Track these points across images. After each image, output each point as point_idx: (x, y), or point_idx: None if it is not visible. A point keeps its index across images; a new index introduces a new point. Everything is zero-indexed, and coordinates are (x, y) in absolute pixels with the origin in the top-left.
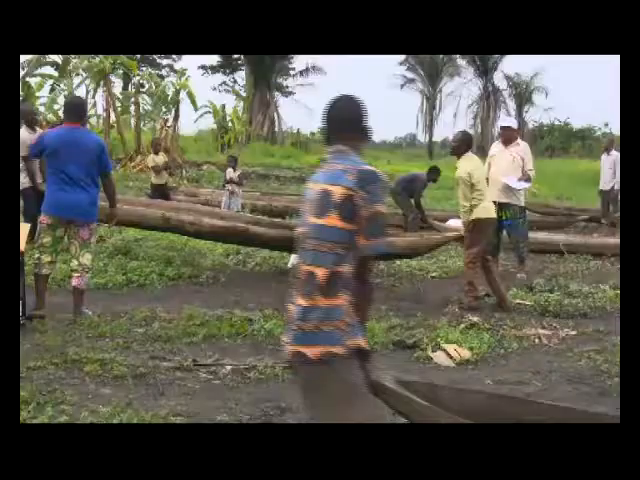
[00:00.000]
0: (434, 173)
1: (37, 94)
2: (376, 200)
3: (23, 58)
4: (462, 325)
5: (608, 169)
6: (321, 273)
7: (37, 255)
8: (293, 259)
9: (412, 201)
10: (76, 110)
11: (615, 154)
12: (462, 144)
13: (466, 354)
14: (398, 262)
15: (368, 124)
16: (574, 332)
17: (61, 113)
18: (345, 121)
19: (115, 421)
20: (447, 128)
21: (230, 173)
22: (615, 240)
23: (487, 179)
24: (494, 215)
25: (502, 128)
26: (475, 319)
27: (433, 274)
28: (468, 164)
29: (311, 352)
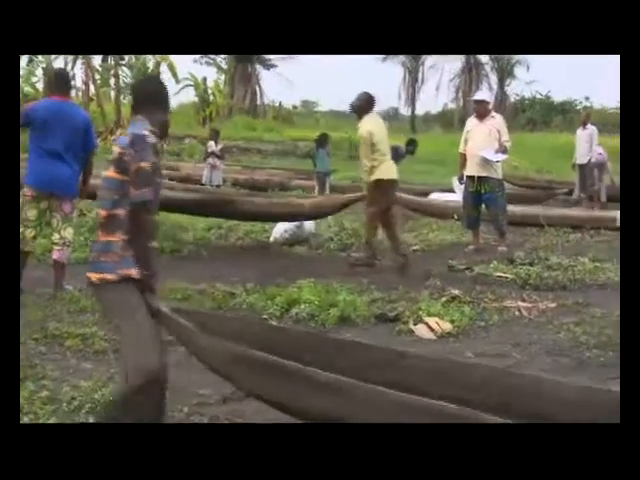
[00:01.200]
0: (412, 145)
1: None
2: (141, 158)
3: None
4: (443, 298)
5: (585, 142)
6: (102, 214)
7: (21, 230)
8: (275, 233)
9: None
10: (64, 82)
11: (591, 128)
12: (365, 104)
13: (447, 327)
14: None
15: (165, 101)
16: (554, 304)
17: (40, 86)
18: (144, 97)
19: (96, 396)
20: (430, 102)
21: (212, 147)
22: (592, 213)
23: (464, 154)
24: (396, 176)
25: (476, 102)
26: (456, 292)
27: (415, 247)
28: (370, 124)
29: (94, 277)
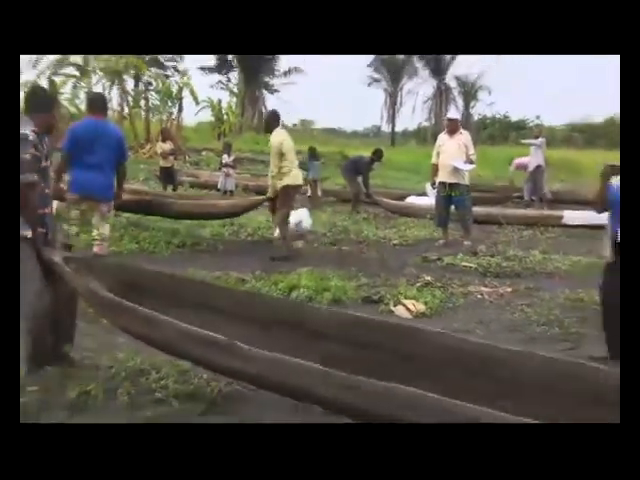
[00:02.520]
0: (378, 154)
1: (61, 90)
2: (22, 151)
3: (48, 59)
4: (418, 284)
5: (535, 151)
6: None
7: (66, 227)
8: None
9: (359, 179)
10: (99, 104)
11: (541, 139)
12: (272, 121)
13: (421, 308)
14: (365, 232)
15: (46, 107)
16: (510, 289)
17: (83, 106)
18: (31, 103)
19: (129, 364)
20: (407, 120)
21: (225, 158)
22: (542, 212)
23: (436, 164)
24: (301, 182)
25: (449, 120)
26: (429, 279)
27: (394, 242)
28: (280, 136)
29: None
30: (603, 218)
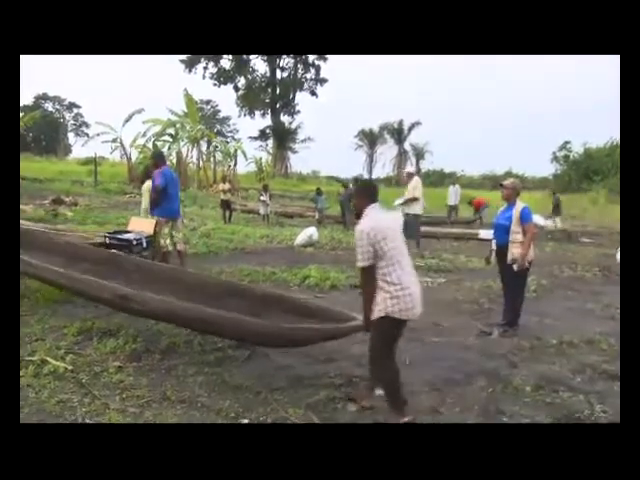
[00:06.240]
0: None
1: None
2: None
3: (152, 130)
4: None
5: (453, 193)
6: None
7: (161, 239)
8: (296, 240)
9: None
10: (164, 158)
11: (457, 186)
12: (153, 166)
13: None
14: (352, 242)
15: (162, 161)
16: (444, 280)
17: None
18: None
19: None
20: (379, 171)
21: (263, 195)
22: (464, 230)
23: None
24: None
25: (407, 173)
26: None
27: None
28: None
29: None
30: None
